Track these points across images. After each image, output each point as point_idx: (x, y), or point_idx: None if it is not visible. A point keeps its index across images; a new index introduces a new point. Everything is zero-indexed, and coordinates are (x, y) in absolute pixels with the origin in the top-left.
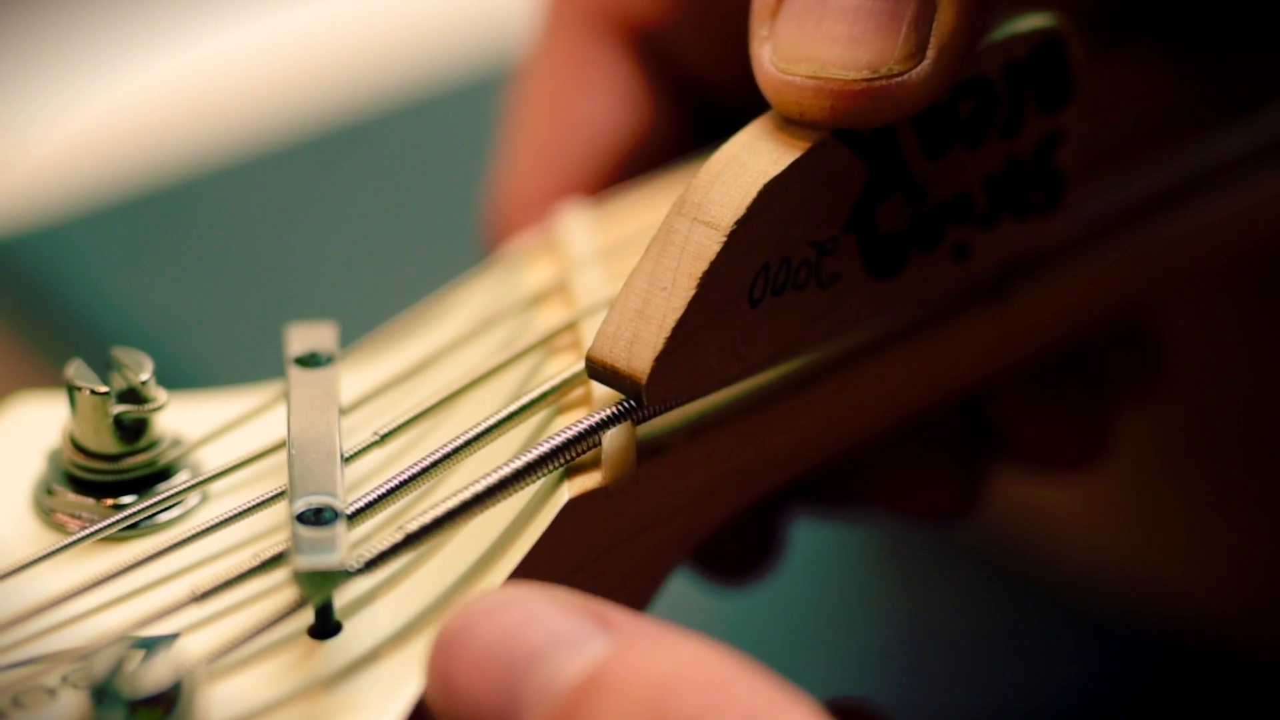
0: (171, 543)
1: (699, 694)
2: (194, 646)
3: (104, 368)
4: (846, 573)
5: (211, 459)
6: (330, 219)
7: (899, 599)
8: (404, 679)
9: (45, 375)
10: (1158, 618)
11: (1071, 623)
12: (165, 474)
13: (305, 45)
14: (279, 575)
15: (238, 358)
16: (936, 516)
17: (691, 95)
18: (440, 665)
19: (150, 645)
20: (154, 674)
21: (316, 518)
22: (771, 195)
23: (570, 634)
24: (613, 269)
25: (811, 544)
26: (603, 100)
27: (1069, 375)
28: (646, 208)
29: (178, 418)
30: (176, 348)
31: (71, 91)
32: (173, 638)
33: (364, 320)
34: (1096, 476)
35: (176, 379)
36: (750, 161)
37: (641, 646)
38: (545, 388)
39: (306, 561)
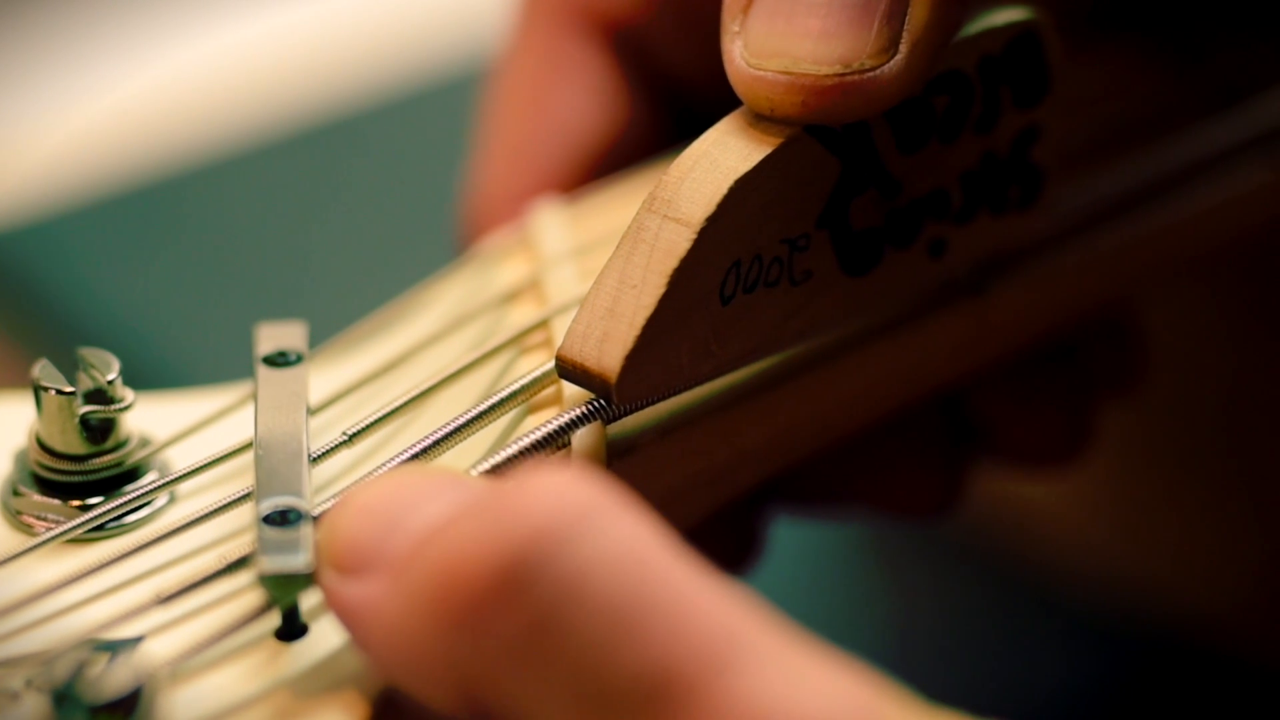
0: (138, 544)
1: (557, 528)
2: (158, 649)
3: (71, 368)
4: (831, 571)
5: (180, 459)
6: (304, 217)
7: (886, 598)
8: (371, 681)
9: (24, 372)
10: (1147, 616)
11: (1060, 621)
12: (133, 475)
13: (280, 46)
14: (246, 577)
15: (214, 355)
16: (917, 514)
17: (668, 92)
18: (332, 516)
19: (114, 648)
20: (115, 679)
21: (283, 519)
22: (742, 192)
23: (462, 501)
24: (586, 267)
25: (795, 541)
26: (578, 97)
27: (1049, 371)
28: (621, 205)
29: (146, 418)
30: (152, 345)
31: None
32: (137, 641)
33: (336, 318)
34: (1084, 473)
35: (152, 377)
36: (721, 158)
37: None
38: (515, 387)
39: (272, 564)
